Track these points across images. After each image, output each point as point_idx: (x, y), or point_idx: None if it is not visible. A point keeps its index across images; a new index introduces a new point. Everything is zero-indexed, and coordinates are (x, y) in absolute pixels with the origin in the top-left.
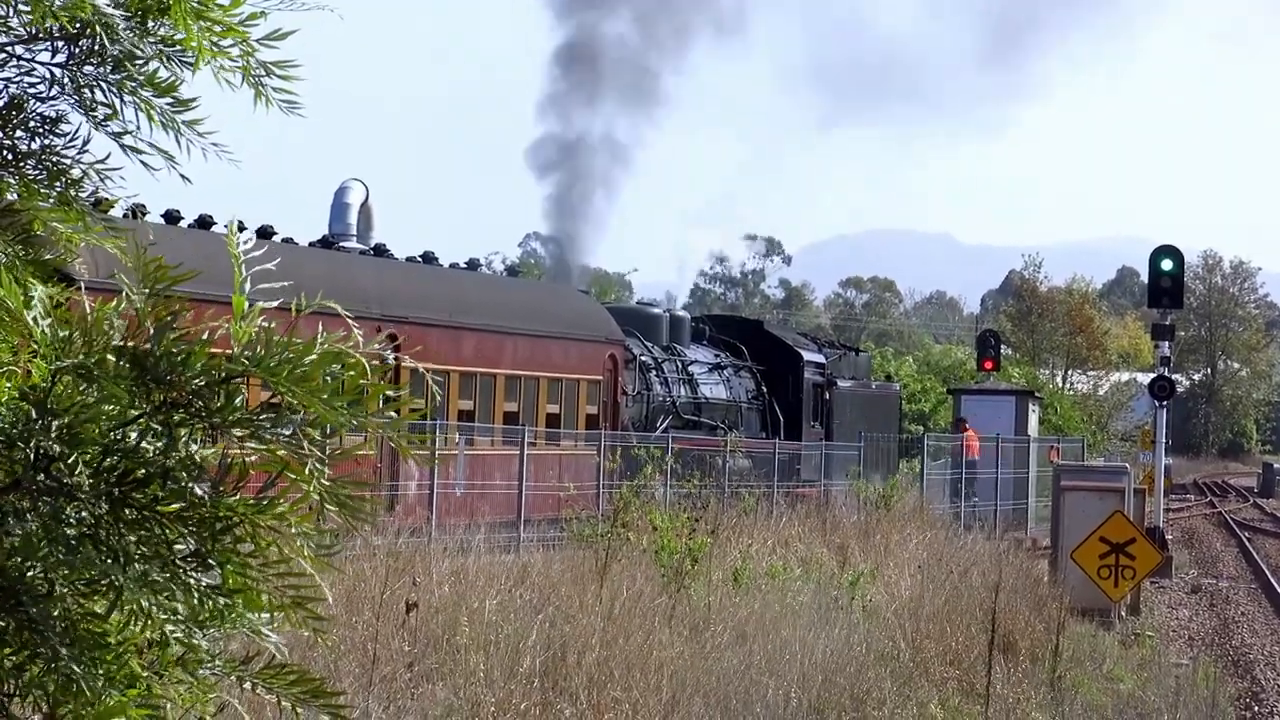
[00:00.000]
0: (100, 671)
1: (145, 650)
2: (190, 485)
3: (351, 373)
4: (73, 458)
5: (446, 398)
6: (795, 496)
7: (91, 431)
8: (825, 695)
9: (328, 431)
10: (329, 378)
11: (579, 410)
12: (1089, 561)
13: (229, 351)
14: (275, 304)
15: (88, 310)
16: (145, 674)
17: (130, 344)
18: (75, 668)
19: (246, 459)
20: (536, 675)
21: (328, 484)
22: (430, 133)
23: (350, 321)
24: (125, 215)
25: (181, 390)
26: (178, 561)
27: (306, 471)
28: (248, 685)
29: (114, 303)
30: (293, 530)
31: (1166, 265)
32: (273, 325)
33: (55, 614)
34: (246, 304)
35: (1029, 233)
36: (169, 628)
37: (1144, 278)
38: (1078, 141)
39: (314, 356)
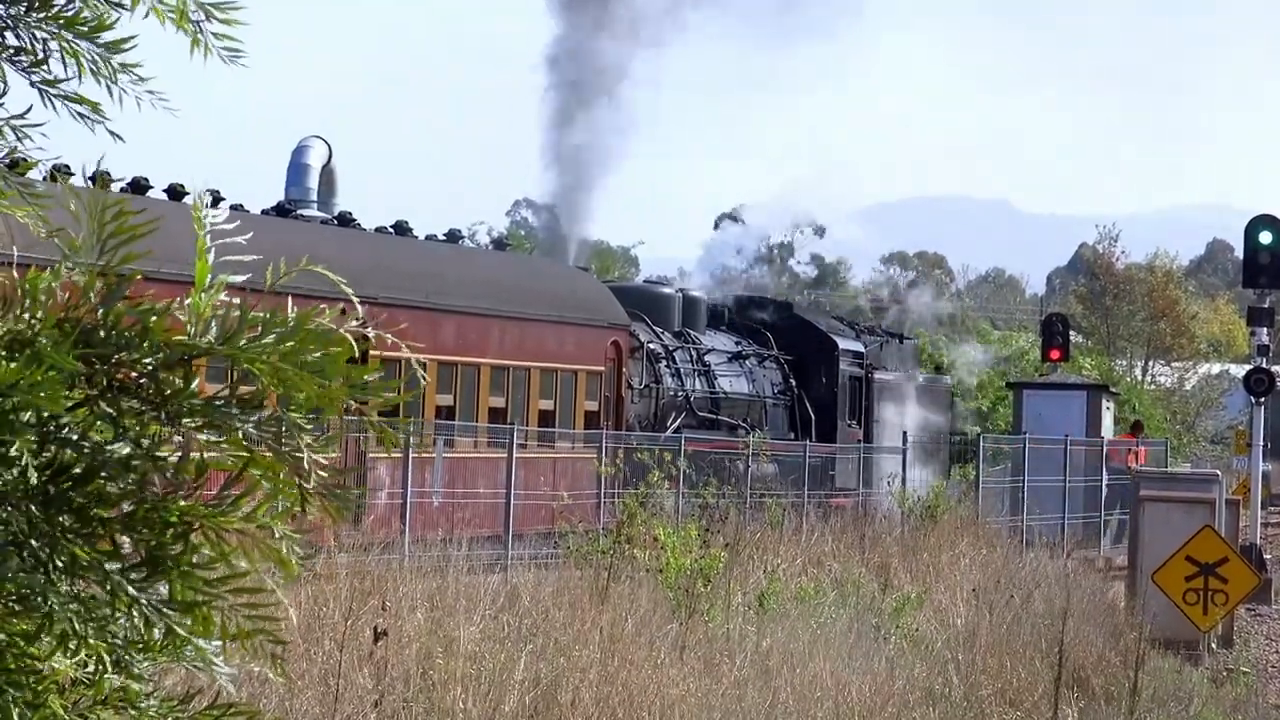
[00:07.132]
0: (15, 711)
1: (68, 688)
2: (148, 482)
3: (336, 351)
4: (14, 449)
5: (422, 391)
6: (829, 507)
7: (30, 418)
8: None
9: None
10: (308, 358)
11: (576, 406)
12: (1173, 585)
13: (190, 330)
14: (241, 280)
15: (15, 277)
16: (65, 716)
17: (73, 316)
18: None
19: (208, 454)
20: (524, 716)
21: (324, 477)
22: (404, 83)
23: (352, 297)
24: (45, 179)
25: (131, 372)
26: (122, 573)
27: (305, 466)
28: None
29: (49, 271)
30: (276, 534)
31: (1265, 238)
32: (238, 301)
33: None
34: (209, 275)
35: (1102, 200)
36: (105, 655)
37: (1239, 252)
38: (1158, 89)
39: (295, 333)
